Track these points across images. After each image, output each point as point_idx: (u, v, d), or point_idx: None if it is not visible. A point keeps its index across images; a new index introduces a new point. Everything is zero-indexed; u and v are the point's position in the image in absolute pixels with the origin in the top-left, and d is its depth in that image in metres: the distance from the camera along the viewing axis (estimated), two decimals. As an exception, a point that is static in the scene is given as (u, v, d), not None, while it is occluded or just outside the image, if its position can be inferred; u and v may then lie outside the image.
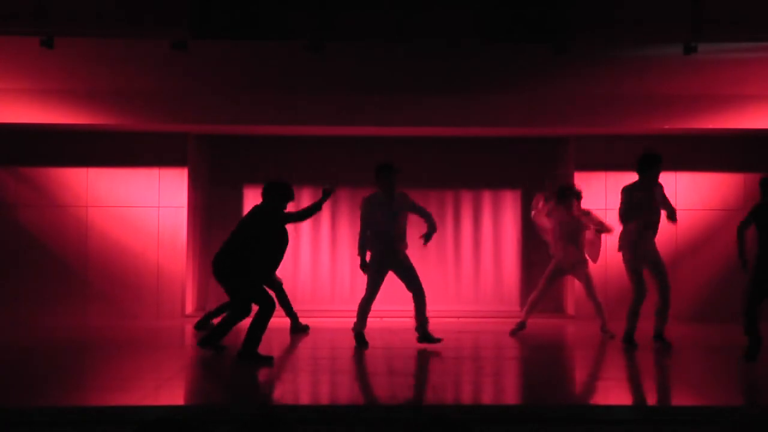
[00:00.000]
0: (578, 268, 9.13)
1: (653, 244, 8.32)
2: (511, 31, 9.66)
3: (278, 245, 7.50)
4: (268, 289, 9.24)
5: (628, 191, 8.35)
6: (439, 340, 8.15)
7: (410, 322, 9.64)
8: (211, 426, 5.42)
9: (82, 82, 9.86)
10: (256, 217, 7.46)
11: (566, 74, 9.68)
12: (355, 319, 8.19)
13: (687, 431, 5.50)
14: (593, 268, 9.38)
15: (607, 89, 10.04)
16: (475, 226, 11.53)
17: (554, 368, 7.62)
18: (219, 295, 9.36)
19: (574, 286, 10.81)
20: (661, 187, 8.42)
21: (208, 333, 7.81)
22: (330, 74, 9.67)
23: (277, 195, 7.50)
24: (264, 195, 7.54)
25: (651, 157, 8.31)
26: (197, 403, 6.14)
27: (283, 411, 5.71)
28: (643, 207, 8.27)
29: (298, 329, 9.35)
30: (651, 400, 6.40)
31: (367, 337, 8.19)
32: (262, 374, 7.03)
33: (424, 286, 8.26)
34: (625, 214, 8.31)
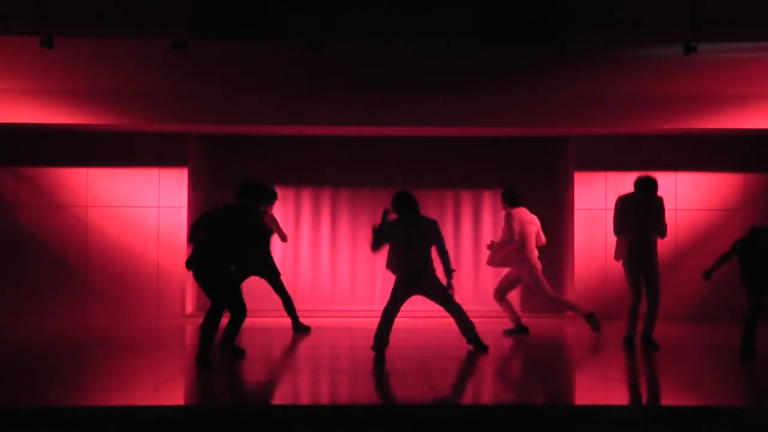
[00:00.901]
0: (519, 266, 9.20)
1: (650, 251, 8.32)
2: (511, 31, 9.66)
3: (247, 244, 7.50)
4: (276, 293, 9.32)
5: (619, 201, 8.48)
6: (486, 348, 7.97)
7: (408, 322, 9.65)
8: (211, 426, 5.43)
9: (82, 82, 9.86)
10: (232, 217, 7.35)
11: (566, 74, 9.68)
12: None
13: (687, 431, 5.51)
14: (595, 266, 9.39)
15: (607, 89, 10.04)
16: (475, 226, 11.53)
17: (554, 368, 7.62)
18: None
19: (573, 286, 10.82)
20: (659, 200, 8.40)
21: (220, 340, 7.70)
22: (330, 74, 9.67)
23: (250, 196, 7.42)
24: (238, 196, 7.43)
25: (647, 182, 8.34)
26: (197, 403, 6.14)
27: (283, 411, 5.71)
28: (633, 216, 8.32)
29: (300, 329, 9.36)
30: (651, 400, 6.40)
31: (366, 337, 8.14)
32: (263, 374, 7.03)
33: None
34: (615, 225, 8.44)
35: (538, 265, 9.15)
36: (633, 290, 8.38)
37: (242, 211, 7.33)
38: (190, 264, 7.22)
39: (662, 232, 8.36)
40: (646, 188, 8.32)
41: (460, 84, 9.88)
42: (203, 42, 9.09)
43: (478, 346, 7.99)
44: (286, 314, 9.41)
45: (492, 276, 11.47)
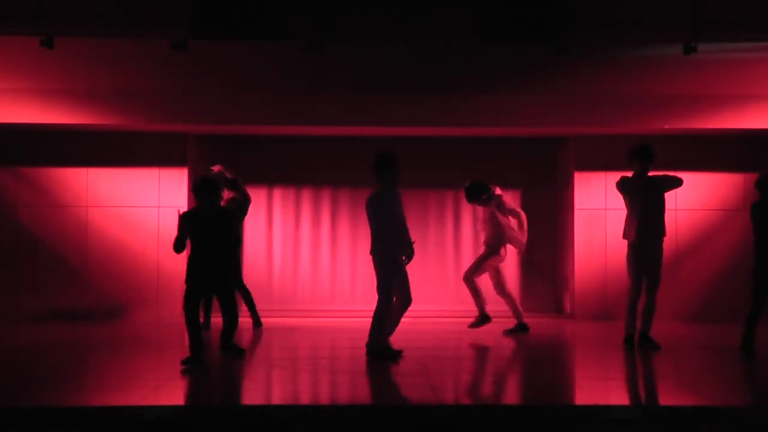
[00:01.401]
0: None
1: (654, 241, 8.28)
2: (511, 31, 9.67)
3: (234, 239, 7.56)
4: (236, 292, 9.41)
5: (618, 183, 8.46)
6: (393, 354, 7.50)
7: (408, 322, 9.65)
8: (211, 426, 5.43)
9: (82, 82, 9.86)
10: (212, 218, 7.41)
11: (566, 74, 9.68)
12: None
13: (687, 431, 5.51)
14: (595, 266, 9.33)
15: (607, 89, 10.04)
16: (475, 226, 11.52)
17: (554, 368, 7.62)
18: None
19: (573, 286, 10.81)
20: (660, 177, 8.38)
21: (219, 341, 7.75)
22: (330, 74, 9.67)
23: (212, 193, 7.44)
24: (203, 197, 7.44)
25: (642, 148, 8.33)
26: (197, 403, 6.14)
27: (283, 411, 5.71)
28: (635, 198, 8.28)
29: (258, 325, 9.56)
30: (651, 400, 6.40)
31: (364, 337, 8.11)
32: (263, 374, 7.03)
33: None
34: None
35: (503, 255, 9.28)
36: (633, 281, 8.27)
37: (218, 208, 7.47)
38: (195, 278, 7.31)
39: (677, 183, 8.38)
40: (642, 155, 8.27)
41: (460, 84, 9.87)
42: (203, 42, 9.09)
43: (385, 351, 7.48)
44: (288, 314, 9.46)
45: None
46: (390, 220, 7.46)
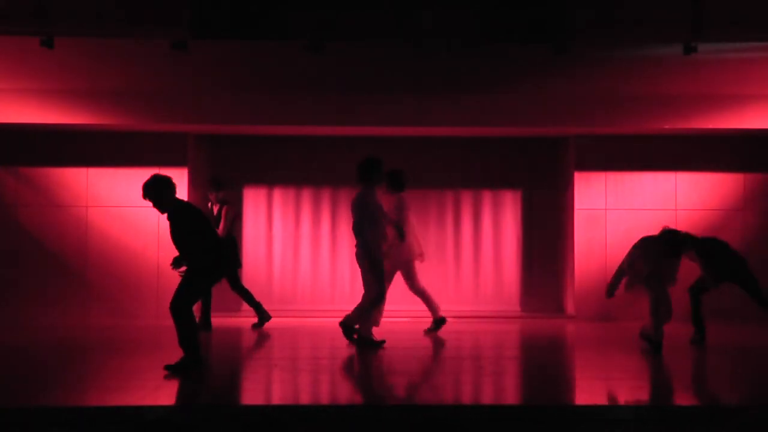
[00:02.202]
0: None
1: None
2: (511, 31, 9.66)
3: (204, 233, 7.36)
4: (235, 293, 9.41)
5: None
6: (379, 343, 7.93)
7: (408, 322, 9.64)
8: (211, 426, 5.43)
9: (82, 81, 9.87)
10: (177, 218, 7.37)
11: (566, 74, 9.68)
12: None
13: (687, 431, 5.51)
14: (595, 266, 9.32)
15: (607, 89, 10.04)
16: (475, 226, 11.53)
17: (554, 368, 7.62)
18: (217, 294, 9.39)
19: (573, 286, 10.81)
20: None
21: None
22: (330, 74, 9.67)
23: (163, 189, 7.33)
24: (159, 197, 7.31)
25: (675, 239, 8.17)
26: (197, 403, 6.14)
27: (283, 411, 5.71)
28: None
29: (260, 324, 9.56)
30: (651, 400, 6.40)
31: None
32: (263, 374, 7.02)
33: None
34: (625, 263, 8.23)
35: (417, 252, 9.08)
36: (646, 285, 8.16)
37: (177, 206, 7.30)
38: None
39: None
40: (672, 244, 8.11)
41: (461, 84, 9.88)
42: (203, 42, 9.09)
43: (370, 343, 7.86)
44: (288, 314, 9.46)
45: (492, 276, 11.47)
46: (370, 220, 7.90)
